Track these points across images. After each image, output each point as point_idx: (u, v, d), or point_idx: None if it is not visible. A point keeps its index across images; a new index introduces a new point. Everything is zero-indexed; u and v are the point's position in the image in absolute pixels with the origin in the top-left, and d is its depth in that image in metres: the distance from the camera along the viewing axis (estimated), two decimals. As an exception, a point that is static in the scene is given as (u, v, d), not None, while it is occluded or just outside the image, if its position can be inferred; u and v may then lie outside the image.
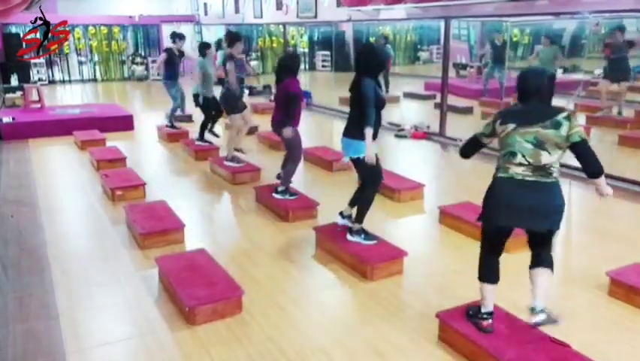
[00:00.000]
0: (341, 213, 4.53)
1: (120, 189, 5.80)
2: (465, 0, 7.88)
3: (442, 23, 8.79)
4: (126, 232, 4.95)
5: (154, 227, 4.65)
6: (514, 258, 4.34)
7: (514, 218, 2.88)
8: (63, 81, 17.77)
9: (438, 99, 9.61)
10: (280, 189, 5.46)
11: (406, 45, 14.39)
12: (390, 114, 10.26)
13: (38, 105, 10.92)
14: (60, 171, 7.29)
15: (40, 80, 16.21)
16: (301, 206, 5.30)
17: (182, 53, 9.00)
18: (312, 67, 17.54)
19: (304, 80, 17.15)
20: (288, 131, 5.21)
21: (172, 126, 9.09)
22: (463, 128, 9.30)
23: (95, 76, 18.18)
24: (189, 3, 19.37)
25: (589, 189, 6.15)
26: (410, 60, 14.40)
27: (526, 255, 4.39)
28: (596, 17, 7.01)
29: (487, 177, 5.03)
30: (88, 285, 3.96)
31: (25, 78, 14.35)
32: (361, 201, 4.33)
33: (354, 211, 4.43)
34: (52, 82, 17.32)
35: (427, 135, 9.03)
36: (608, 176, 6.72)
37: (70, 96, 15.09)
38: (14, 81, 13.84)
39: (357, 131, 4.02)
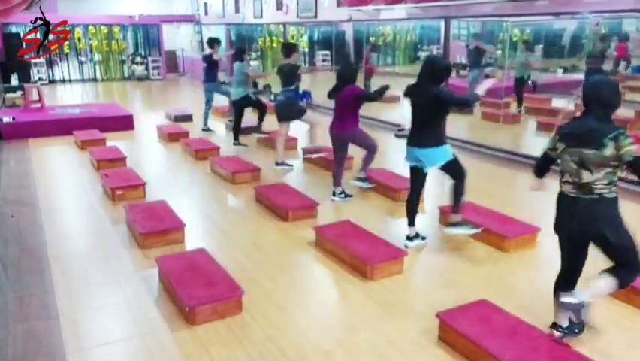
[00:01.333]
0: (453, 224, 4.57)
1: (120, 188, 5.80)
2: (465, 0, 7.88)
3: (442, 23, 8.79)
4: (126, 232, 4.95)
5: (154, 227, 4.65)
6: (513, 258, 4.36)
7: (565, 229, 3.07)
8: (63, 81, 17.77)
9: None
10: (359, 176, 5.88)
11: (406, 45, 14.38)
12: (390, 114, 10.26)
13: (38, 105, 10.92)
14: (60, 170, 7.29)
15: (40, 79, 16.21)
16: (301, 206, 5.30)
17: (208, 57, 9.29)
18: (312, 67, 17.50)
19: (303, 79, 17.12)
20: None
21: (208, 129, 9.53)
22: (463, 128, 9.31)
23: (95, 76, 18.19)
24: (189, 3, 19.38)
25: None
26: (410, 60, 14.38)
27: (524, 255, 4.41)
28: (596, 17, 7.01)
29: (486, 177, 5.03)
30: (88, 285, 3.96)
31: (25, 78, 14.33)
32: (459, 195, 4.49)
33: (456, 217, 4.56)
34: (52, 82, 17.33)
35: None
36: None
37: (70, 96, 15.10)
38: (14, 81, 13.82)
39: (438, 137, 4.30)
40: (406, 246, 4.48)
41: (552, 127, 8.18)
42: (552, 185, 6.59)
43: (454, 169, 4.44)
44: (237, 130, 8.44)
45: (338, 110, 5.64)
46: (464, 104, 4.49)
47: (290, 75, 6.79)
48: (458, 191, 4.49)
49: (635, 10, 6.24)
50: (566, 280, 3.16)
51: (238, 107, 8.36)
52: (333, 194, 5.79)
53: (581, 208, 2.94)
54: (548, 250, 4.52)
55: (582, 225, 2.97)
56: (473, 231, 4.55)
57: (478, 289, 3.76)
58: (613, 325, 3.38)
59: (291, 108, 6.92)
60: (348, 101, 5.49)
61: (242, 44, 10.43)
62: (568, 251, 3.15)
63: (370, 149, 5.77)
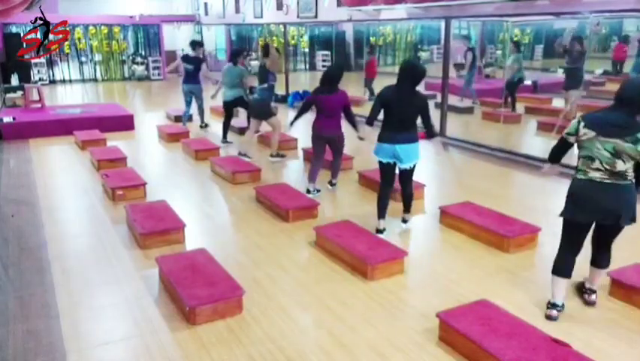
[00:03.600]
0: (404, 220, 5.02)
1: (121, 188, 5.80)
2: (465, 0, 7.88)
3: (443, 23, 8.79)
4: (126, 232, 4.96)
5: (154, 227, 4.65)
6: (513, 258, 4.36)
7: (592, 214, 3.23)
8: (64, 81, 17.78)
9: (438, 99, 9.61)
10: (334, 181, 6.16)
11: (407, 45, 14.39)
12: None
13: (39, 105, 10.92)
14: (61, 170, 7.29)
15: (40, 79, 16.22)
16: (301, 206, 5.30)
17: (199, 59, 9.38)
18: (312, 67, 17.53)
19: (303, 79, 17.15)
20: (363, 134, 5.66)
21: (205, 125, 9.73)
22: (463, 127, 9.32)
23: (95, 76, 18.19)
24: (189, 3, 19.37)
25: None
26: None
27: (523, 255, 4.41)
28: (597, 17, 7.01)
29: (486, 177, 5.02)
30: (88, 285, 3.96)
31: (25, 78, 14.33)
32: (411, 199, 4.96)
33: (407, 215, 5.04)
34: (52, 82, 17.34)
35: (426, 135, 9.02)
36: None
37: (70, 96, 15.10)
38: (15, 81, 13.83)
39: (416, 135, 4.64)
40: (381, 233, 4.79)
41: (552, 127, 8.20)
42: (546, 184, 6.57)
43: (412, 174, 4.75)
44: (226, 129, 8.66)
45: (329, 111, 5.69)
46: (428, 130, 4.75)
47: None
48: (412, 197, 4.95)
49: (635, 10, 6.23)
50: (568, 261, 3.38)
51: (229, 108, 8.49)
52: (308, 192, 5.88)
53: (613, 193, 3.13)
54: (548, 250, 4.52)
55: (611, 210, 3.15)
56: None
57: (478, 289, 3.77)
58: (613, 325, 3.38)
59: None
60: (341, 105, 5.68)
61: (240, 45, 10.29)
62: (573, 235, 3.35)
63: (342, 154, 6.05)
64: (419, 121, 4.62)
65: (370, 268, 3.95)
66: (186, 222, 4.83)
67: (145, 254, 4.44)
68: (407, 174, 4.73)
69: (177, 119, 10.63)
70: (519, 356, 2.80)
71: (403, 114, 4.51)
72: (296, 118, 5.97)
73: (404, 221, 5.02)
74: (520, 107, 9.93)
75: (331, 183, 6.16)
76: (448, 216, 5.02)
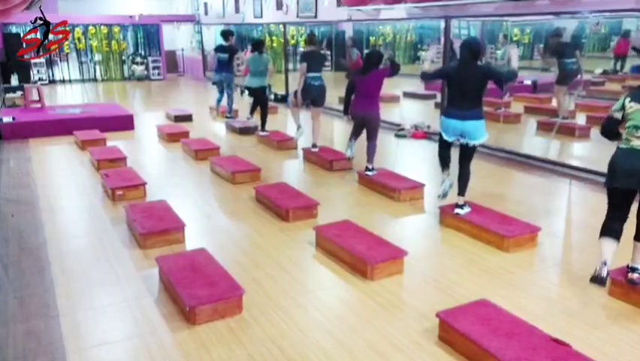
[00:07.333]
0: (459, 206, 4.93)
1: (120, 188, 5.80)
2: (465, 0, 7.88)
3: (442, 23, 8.79)
4: (126, 232, 4.96)
5: (154, 227, 4.65)
6: (513, 258, 4.36)
7: (631, 181, 3.46)
8: (63, 81, 17.78)
9: (438, 99, 9.62)
10: (371, 166, 6.27)
11: (406, 45, 14.38)
12: (391, 114, 10.27)
13: (38, 105, 10.92)
14: (60, 170, 7.29)
15: (40, 79, 16.21)
16: (301, 206, 5.30)
17: (233, 49, 9.99)
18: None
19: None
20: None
21: (231, 117, 10.22)
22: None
23: (95, 76, 18.19)
24: (189, 3, 19.38)
25: (589, 189, 6.17)
26: (410, 59, 14.39)
27: (523, 255, 4.41)
28: (596, 17, 7.01)
29: (487, 177, 5.02)
30: (88, 285, 3.96)
31: (25, 78, 14.30)
32: (468, 179, 4.95)
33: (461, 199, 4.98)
34: (52, 82, 17.34)
35: (427, 135, 9.03)
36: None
37: (70, 96, 15.10)
38: (14, 81, 13.81)
39: (482, 112, 4.76)
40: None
41: (552, 127, 8.20)
42: (546, 184, 6.56)
43: (473, 152, 4.87)
44: (254, 110, 9.20)
45: (371, 91, 6.05)
46: (509, 79, 4.87)
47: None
48: (468, 176, 4.94)
49: (635, 9, 6.24)
50: (614, 225, 3.63)
51: (254, 95, 8.94)
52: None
53: None
54: (548, 250, 4.53)
55: None
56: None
57: (478, 289, 3.77)
58: (613, 324, 3.38)
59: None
60: (381, 81, 6.01)
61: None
62: (615, 201, 3.61)
63: (376, 136, 6.26)
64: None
65: (370, 268, 3.95)
66: (186, 222, 4.83)
67: (145, 254, 4.45)
68: (472, 150, 4.89)
69: (177, 119, 10.65)
70: (519, 356, 2.80)
71: (465, 88, 4.74)
72: None
73: (459, 207, 4.94)
74: (520, 107, 9.92)
75: (368, 169, 6.31)
76: (448, 216, 5.02)
